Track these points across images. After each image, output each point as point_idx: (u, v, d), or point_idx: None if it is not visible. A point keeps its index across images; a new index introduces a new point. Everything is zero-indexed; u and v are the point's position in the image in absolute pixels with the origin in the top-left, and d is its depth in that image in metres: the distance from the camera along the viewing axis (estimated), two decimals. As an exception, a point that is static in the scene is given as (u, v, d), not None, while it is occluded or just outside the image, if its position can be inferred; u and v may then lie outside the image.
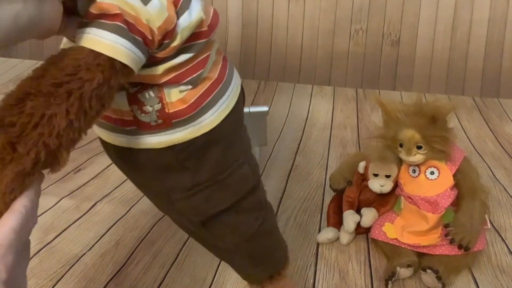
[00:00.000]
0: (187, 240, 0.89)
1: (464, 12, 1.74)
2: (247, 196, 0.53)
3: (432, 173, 0.83)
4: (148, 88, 0.44)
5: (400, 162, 0.87)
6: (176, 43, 0.41)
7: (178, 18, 0.41)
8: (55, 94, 0.34)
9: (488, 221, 0.87)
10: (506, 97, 1.72)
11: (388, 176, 0.88)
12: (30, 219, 0.34)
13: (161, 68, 0.42)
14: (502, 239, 0.93)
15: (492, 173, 1.18)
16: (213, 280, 0.79)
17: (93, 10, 0.37)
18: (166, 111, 0.44)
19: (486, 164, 1.22)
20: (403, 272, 0.80)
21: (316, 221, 0.98)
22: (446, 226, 0.81)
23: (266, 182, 1.10)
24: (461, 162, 0.84)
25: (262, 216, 0.56)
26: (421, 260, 0.82)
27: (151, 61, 0.41)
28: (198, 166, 0.48)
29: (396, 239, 0.84)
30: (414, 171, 0.85)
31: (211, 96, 0.47)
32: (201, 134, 0.47)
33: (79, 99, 0.35)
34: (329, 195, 1.03)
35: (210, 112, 0.47)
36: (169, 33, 0.40)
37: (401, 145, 0.83)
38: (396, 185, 0.89)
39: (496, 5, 1.72)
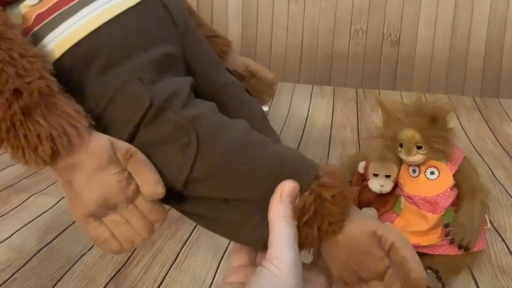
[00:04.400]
0: (187, 240, 0.89)
1: (464, 12, 1.74)
2: (148, 122, 0.40)
3: (432, 173, 0.83)
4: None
5: (400, 162, 0.87)
6: None
7: None
8: None
9: (488, 221, 0.86)
10: (506, 97, 1.72)
11: (388, 176, 0.88)
12: None
13: None
14: (502, 239, 0.93)
15: (492, 173, 1.18)
16: (213, 280, 0.79)
17: None
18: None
19: (486, 164, 1.22)
20: (403, 272, 0.79)
21: (316, 221, 0.97)
22: (446, 226, 0.81)
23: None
24: (461, 162, 0.84)
25: (195, 144, 0.39)
26: (421, 260, 0.81)
27: None
28: (76, 93, 0.40)
29: (396, 239, 0.84)
30: (414, 171, 0.85)
31: (69, 4, 0.39)
32: (62, 53, 0.39)
33: None
34: (329, 195, 1.02)
35: (67, 23, 0.39)
36: None
37: (401, 145, 0.83)
38: (396, 185, 0.89)
39: (496, 5, 1.72)
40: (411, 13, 1.78)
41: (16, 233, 0.91)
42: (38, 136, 0.34)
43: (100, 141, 0.37)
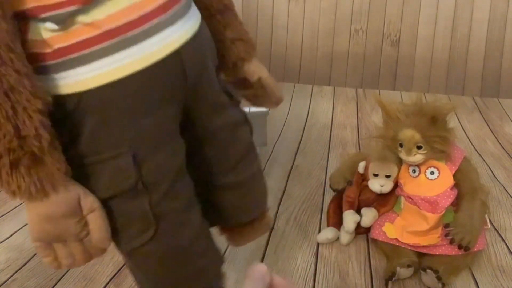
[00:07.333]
0: (187, 240, 0.89)
1: (464, 12, 1.75)
2: (125, 197, 0.43)
3: (432, 173, 0.83)
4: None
5: (400, 162, 0.87)
6: None
7: None
8: None
9: (488, 221, 0.87)
10: (506, 97, 1.72)
11: (388, 176, 0.88)
12: None
13: None
14: (502, 239, 0.93)
15: (492, 173, 1.18)
16: (213, 280, 0.79)
17: None
18: (27, 49, 0.37)
19: (486, 164, 1.22)
20: (403, 272, 0.79)
21: (316, 221, 0.98)
22: (446, 226, 0.81)
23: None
24: (461, 162, 0.84)
25: (150, 234, 0.45)
26: (421, 260, 0.82)
27: None
28: (73, 132, 0.40)
29: (396, 239, 0.84)
30: (414, 171, 0.85)
31: (90, 49, 0.38)
32: (68, 93, 0.38)
33: None
34: (329, 195, 1.03)
35: (84, 68, 0.38)
36: None
37: (401, 145, 0.83)
38: (396, 185, 0.89)
39: (496, 5, 1.72)
40: (411, 13, 1.78)
41: (16, 233, 0.91)
42: (19, 187, 0.36)
43: (69, 197, 0.39)
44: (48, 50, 0.37)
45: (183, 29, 0.41)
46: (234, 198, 0.54)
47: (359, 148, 1.31)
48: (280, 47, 1.88)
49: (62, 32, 0.37)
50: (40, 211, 0.39)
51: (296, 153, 1.28)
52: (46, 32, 0.37)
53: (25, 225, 0.92)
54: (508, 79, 1.75)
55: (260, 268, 0.33)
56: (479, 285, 0.81)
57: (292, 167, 1.19)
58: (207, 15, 0.50)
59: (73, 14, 0.36)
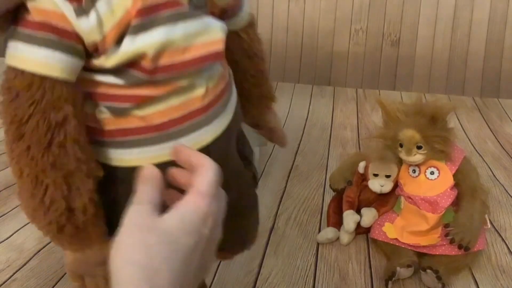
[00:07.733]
0: (187, 240, 0.89)
1: (464, 12, 1.75)
2: None
3: (432, 173, 0.83)
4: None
5: (400, 162, 0.87)
6: (109, 62, 0.37)
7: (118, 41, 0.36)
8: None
9: (488, 221, 0.87)
10: (506, 97, 1.72)
11: (388, 176, 0.88)
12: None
13: (83, 74, 0.38)
14: (502, 239, 0.93)
15: (492, 173, 1.18)
16: (213, 280, 0.79)
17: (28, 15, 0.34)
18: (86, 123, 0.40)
19: (486, 164, 1.23)
20: (403, 272, 0.80)
21: (316, 221, 0.98)
22: (446, 226, 0.81)
23: (266, 182, 1.11)
24: (461, 162, 0.84)
25: None
26: (421, 260, 0.82)
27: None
28: (101, 190, 0.43)
29: (396, 239, 0.84)
30: (414, 171, 0.85)
31: (133, 137, 0.41)
32: (102, 161, 0.42)
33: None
34: (329, 195, 1.03)
35: (122, 150, 0.42)
36: (102, 48, 0.37)
37: (401, 145, 0.83)
38: (396, 185, 0.89)
39: (496, 5, 1.72)
40: (411, 13, 1.78)
41: (16, 233, 0.91)
42: (61, 245, 0.41)
43: (102, 252, 0.42)
44: (93, 126, 0.40)
45: (216, 128, 0.44)
46: (232, 237, 0.58)
47: (359, 148, 1.31)
48: (280, 47, 1.88)
49: (113, 118, 0.40)
50: (76, 256, 0.44)
51: (296, 153, 1.28)
52: (100, 113, 0.40)
53: (25, 225, 0.93)
54: (508, 79, 1.75)
55: (150, 169, 0.34)
56: (479, 285, 0.81)
57: (292, 167, 1.19)
58: (242, 78, 0.54)
59: (128, 108, 0.39)
